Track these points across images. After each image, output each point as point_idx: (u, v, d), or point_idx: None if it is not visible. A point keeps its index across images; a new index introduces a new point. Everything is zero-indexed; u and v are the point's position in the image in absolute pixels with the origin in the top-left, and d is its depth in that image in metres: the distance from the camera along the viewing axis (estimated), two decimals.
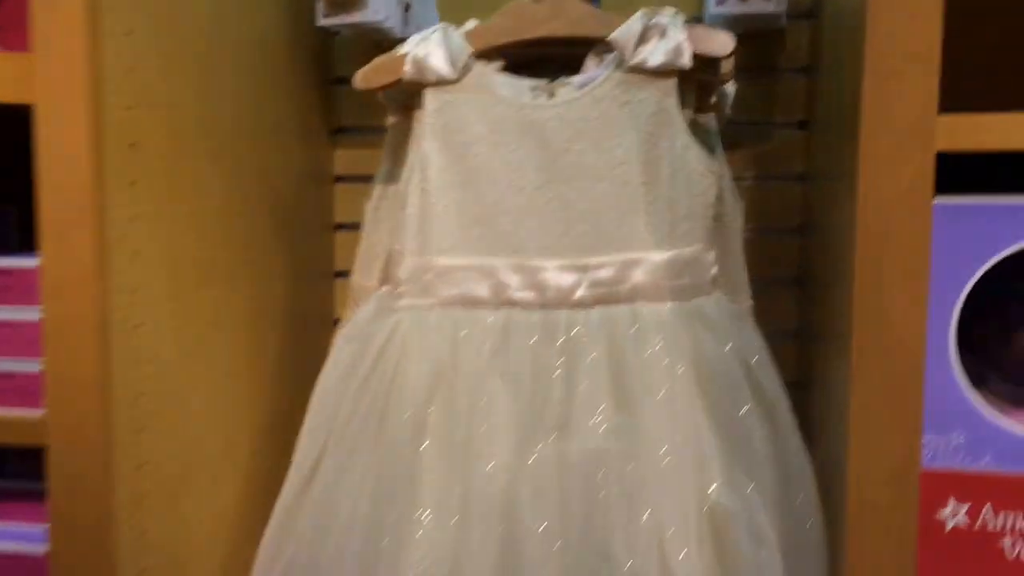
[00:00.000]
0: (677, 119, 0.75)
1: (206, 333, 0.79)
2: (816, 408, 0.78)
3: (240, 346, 0.86)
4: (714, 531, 0.69)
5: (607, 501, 0.69)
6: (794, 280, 0.96)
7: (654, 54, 0.74)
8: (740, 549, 0.68)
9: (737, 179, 0.86)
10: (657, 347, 0.72)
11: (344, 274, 1.02)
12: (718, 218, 0.80)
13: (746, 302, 0.83)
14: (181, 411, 0.76)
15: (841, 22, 0.74)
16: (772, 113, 0.96)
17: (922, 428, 0.60)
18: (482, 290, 0.76)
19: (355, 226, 0.97)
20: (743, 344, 0.74)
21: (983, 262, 0.61)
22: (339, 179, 1.06)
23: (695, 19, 0.92)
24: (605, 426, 0.71)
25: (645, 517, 0.68)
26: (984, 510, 0.61)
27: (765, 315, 0.84)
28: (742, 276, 0.82)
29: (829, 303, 0.76)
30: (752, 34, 0.89)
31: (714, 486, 0.70)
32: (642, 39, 0.75)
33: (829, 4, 0.83)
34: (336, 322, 1.03)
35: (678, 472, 0.70)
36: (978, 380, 0.63)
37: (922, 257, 0.59)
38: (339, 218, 1.06)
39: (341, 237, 1.06)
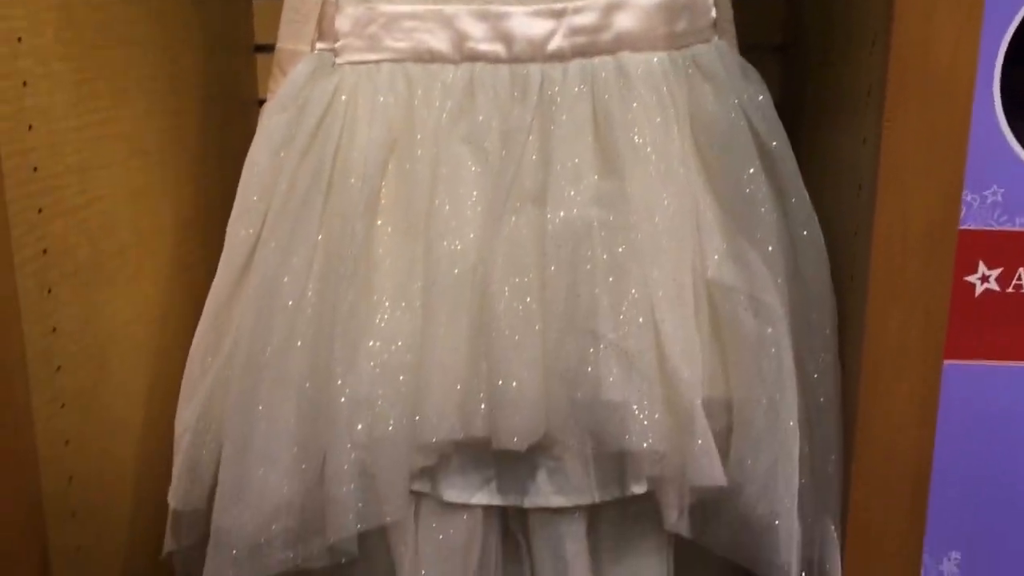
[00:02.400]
0: None
1: (110, 100, 0.66)
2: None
3: (153, 120, 0.73)
4: (712, 306, 0.62)
5: (592, 274, 0.61)
6: (776, 47, 0.85)
7: None
8: (742, 326, 0.61)
9: None
10: (648, 103, 0.62)
11: (266, 48, 0.88)
12: None
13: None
14: (85, 190, 0.64)
15: None
16: None
17: (963, 181, 0.52)
18: (439, 42, 0.65)
19: None
20: (747, 98, 0.64)
21: None
22: None
23: None
24: (589, 193, 0.62)
25: (635, 290, 0.60)
26: (1018, 273, 0.55)
27: None
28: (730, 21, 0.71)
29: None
30: None
31: (714, 258, 0.62)
32: None
33: None
34: (261, 103, 0.90)
35: (673, 242, 0.61)
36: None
37: None
38: None
39: (260, 2, 0.91)
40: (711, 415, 0.61)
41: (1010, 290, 0.55)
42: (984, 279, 0.55)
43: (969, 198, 0.54)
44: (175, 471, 0.67)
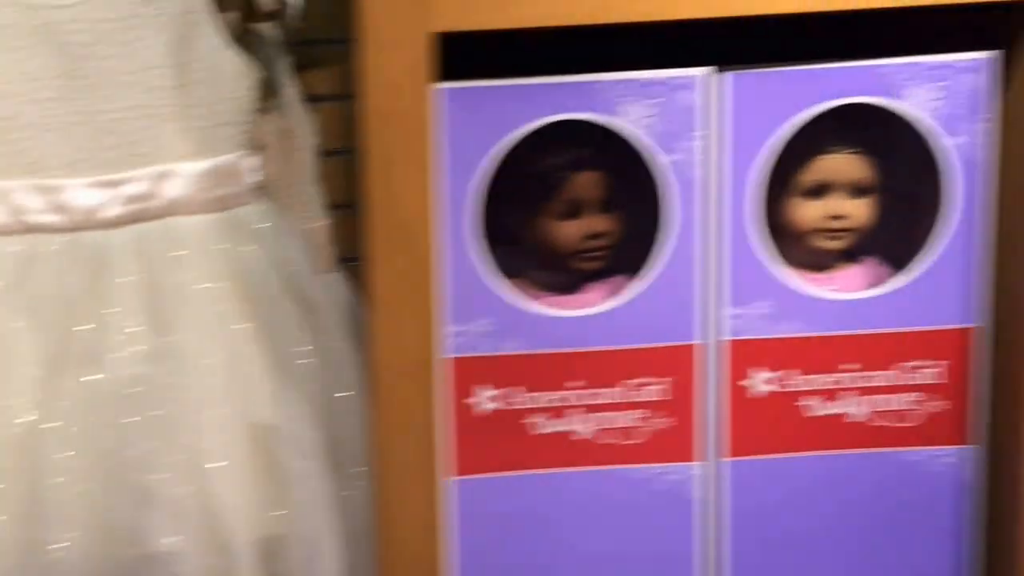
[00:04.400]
0: (207, 19, 0.70)
1: None
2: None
3: None
4: (257, 448, 0.67)
5: (143, 430, 0.65)
6: (342, 204, 0.89)
7: None
8: (283, 463, 0.66)
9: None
10: (196, 263, 0.68)
11: None
12: (286, 135, 0.77)
13: (321, 222, 0.80)
14: None
15: None
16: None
17: (443, 318, 0.60)
18: None
19: None
20: (286, 253, 0.71)
21: (494, 143, 0.61)
22: None
23: None
24: (140, 351, 0.66)
25: (186, 441, 0.65)
26: (504, 392, 0.62)
27: None
28: (314, 196, 0.79)
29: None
30: None
31: (258, 404, 0.67)
32: None
33: None
34: None
35: (221, 392, 0.67)
36: (515, 268, 0.63)
37: (424, 141, 0.58)
38: None
39: None
40: (262, 552, 0.64)
41: (512, 407, 0.63)
42: (485, 400, 0.63)
43: (456, 330, 0.61)
44: None
